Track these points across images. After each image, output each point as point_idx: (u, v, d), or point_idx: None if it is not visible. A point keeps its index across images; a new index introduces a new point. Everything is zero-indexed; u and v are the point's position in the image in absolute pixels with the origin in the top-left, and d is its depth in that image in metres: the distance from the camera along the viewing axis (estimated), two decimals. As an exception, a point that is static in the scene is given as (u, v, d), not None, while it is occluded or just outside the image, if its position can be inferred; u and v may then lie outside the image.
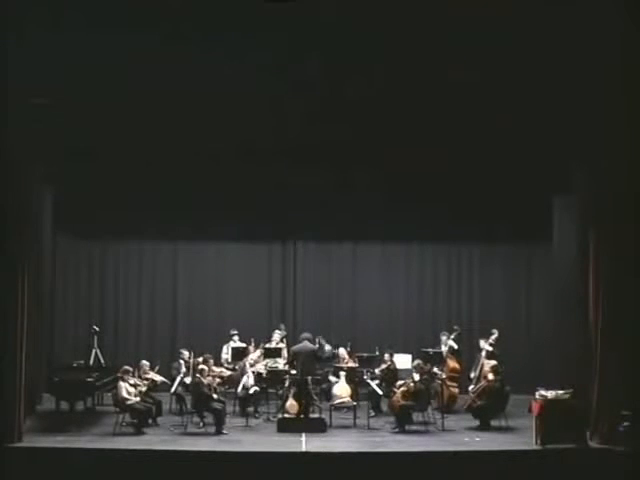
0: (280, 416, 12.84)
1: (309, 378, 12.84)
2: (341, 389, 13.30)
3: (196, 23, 10.86)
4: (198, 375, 12.58)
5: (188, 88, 11.83)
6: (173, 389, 13.25)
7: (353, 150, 13.44)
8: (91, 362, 14.66)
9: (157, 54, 11.17)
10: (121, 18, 10.66)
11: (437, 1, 10.65)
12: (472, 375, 13.89)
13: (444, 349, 14.17)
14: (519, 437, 12.10)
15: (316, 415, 12.86)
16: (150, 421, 12.73)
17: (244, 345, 14.20)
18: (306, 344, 12.99)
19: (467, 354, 15.00)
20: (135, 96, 11.85)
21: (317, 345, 13.73)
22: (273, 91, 11.85)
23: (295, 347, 13.29)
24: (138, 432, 12.29)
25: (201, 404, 12.48)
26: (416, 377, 12.65)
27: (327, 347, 14.05)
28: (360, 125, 12.65)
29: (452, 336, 14.45)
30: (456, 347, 14.37)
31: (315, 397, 13.35)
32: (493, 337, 14.00)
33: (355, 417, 12.92)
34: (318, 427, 12.41)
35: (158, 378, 13.20)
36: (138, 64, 11.30)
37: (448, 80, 11.67)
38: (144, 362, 13.23)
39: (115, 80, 11.52)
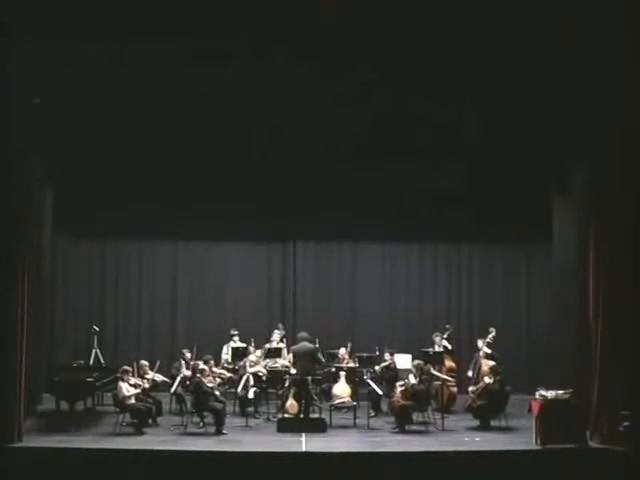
0: (280, 416, 12.84)
1: (309, 378, 12.86)
2: (341, 389, 13.30)
3: (196, 23, 10.89)
4: (198, 375, 12.58)
5: (188, 88, 11.84)
6: (173, 389, 13.25)
7: (353, 150, 13.45)
8: (91, 362, 14.68)
9: (157, 54, 11.20)
10: (121, 19, 10.68)
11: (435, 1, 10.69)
12: (470, 374, 13.90)
13: (438, 349, 14.14)
14: (519, 437, 12.10)
15: (316, 415, 12.87)
16: (150, 421, 12.73)
17: (244, 345, 14.20)
18: (304, 344, 13.00)
19: (467, 354, 15.03)
20: (135, 96, 11.85)
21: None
22: (273, 91, 11.87)
23: (294, 347, 13.31)
24: (138, 432, 12.30)
25: (201, 404, 12.49)
26: (413, 379, 12.64)
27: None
28: (360, 125, 12.66)
29: (445, 336, 14.46)
30: (450, 347, 14.37)
31: (315, 397, 13.36)
32: (491, 336, 14.00)
33: (355, 417, 12.92)
34: (318, 427, 12.41)
35: (158, 378, 13.20)
36: (138, 64, 11.32)
37: (448, 80, 11.70)
38: (143, 362, 13.22)
39: (115, 80, 11.53)
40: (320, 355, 13.75)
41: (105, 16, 10.66)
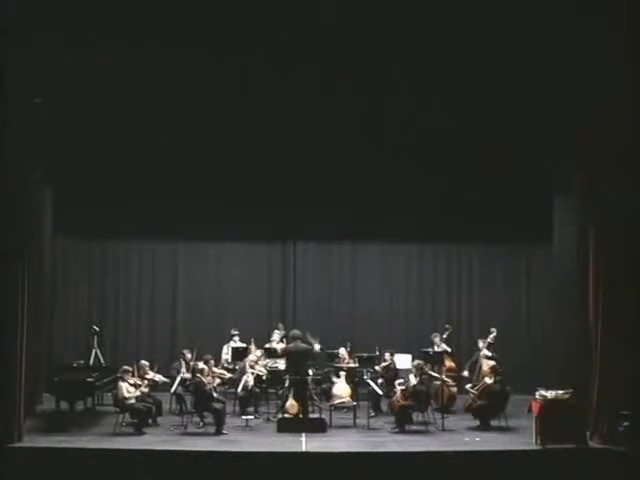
0: (280, 416, 12.84)
1: (309, 378, 12.87)
2: (341, 389, 13.29)
3: (195, 23, 10.90)
4: (199, 375, 12.58)
5: (188, 88, 11.85)
6: (173, 389, 13.25)
7: (353, 149, 13.46)
8: (91, 362, 14.67)
9: (157, 54, 11.21)
10: (122, 20, 10.69)
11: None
12: (466, 373, 13.90)
13: (437, 349, 14.14)
14: (519, 437, 12.10)
15: (316, 415, 12.86)
16: (150, 421, 12.73)
17: (244, 345, 14.21)
18: (298, 344, 12.98)
19: (466, 354, 15.03)
20: (135, 96, 11.85)
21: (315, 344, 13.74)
22: (273, 91, 11.88)
23: (287, 346, 13.31)
24: (138, 432, 12.30)
25: (201, 404, 12.49)
26: (413, 378, 12.64)
27: (317, 346, 13.90)
28: (360, 124, 12.66)
29: (444, 336, 14.44)
30: (449, 350, 14.33)
31: (315, 397, 13.36)
32: (491, 336, 14.01)
33: (355, 417, 12.92)
34: (318, 427, 12.40)
35: (158, 378, 13.19)
36: (138, 64, 11.32)
37: (447, 79, 11.71)
38: (144, 362, 13.21)
39: (115, 80, 11.53)
40: (317, 347, 13.72)
41: (105, 16, 10.67)
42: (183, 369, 13.54)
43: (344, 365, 13.64)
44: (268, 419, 13.26)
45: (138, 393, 12.46)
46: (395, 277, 16.66)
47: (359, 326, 16.08)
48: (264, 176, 14.68)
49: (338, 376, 13.47)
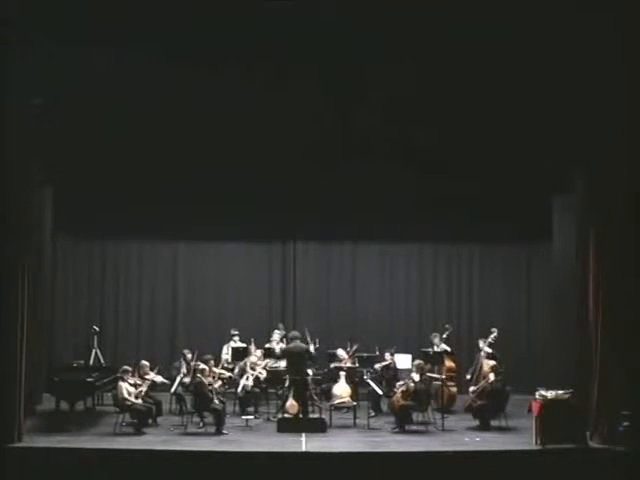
0: (280, 416, 12.84)
1: (309, 378, 12.87)
2: (341, 389, 13.29)
3: (195, 24, 10.91)
4: (199, 375, 12.58)
5: (187, 89, 11.85)
6: (173, 389, 13.25)
7: (353, 149, 13.45)
8: (91, 362, 14.67)
9: (157, 54, 11.22)
10: (122, 20, 10.70)
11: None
12: (468, 376, 13.88)
13: (437, 349, 14.13)
14: (519, 437, 12.10)
15: (316, 415, 12.87)
16: (150, 421, 12.73)
17: (244, 345, 14.21)
18: (297, 343, 12.98)
19: (466, 354, 15.03)
20: (135, 97, 11.86)
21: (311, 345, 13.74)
22: (272, 90, 11.89)
23: (287, 346, 13.31)
24: (138, 432, 12.30)
25: (201, 404, 12.49)
26: (416, 377, 12.66)
27: (311, 347, 13.82)
28: (360, 123, 12.67)
29: (444, 336, 14.44)
30: (449, 350, 14.33)
31: (315, 397, 13.36)
32: (492, 336, 14.01)
33: (355, 417, 12.92)
34: (318, 427, 12.41)
35: (158, 378, 13.19)
36: (138, 65, 11.33)
37: (448, 79, 11.71)
38: (144, 362, 13.22)
39: (115, 81, 11.54)
40: (313, 352, 13.71)
41: (105, 17, 10.68)
42: (183, 369, 13.54)
43: (344, 365, 13.64)
44: (268, 419, 13.26)
45: (137, 393, 12.46)
46: (395, 277, 16.67)
47: (359, 326, 16.07)
48: (264, 176, 14.67)
49: (339, 376, 13.47)
